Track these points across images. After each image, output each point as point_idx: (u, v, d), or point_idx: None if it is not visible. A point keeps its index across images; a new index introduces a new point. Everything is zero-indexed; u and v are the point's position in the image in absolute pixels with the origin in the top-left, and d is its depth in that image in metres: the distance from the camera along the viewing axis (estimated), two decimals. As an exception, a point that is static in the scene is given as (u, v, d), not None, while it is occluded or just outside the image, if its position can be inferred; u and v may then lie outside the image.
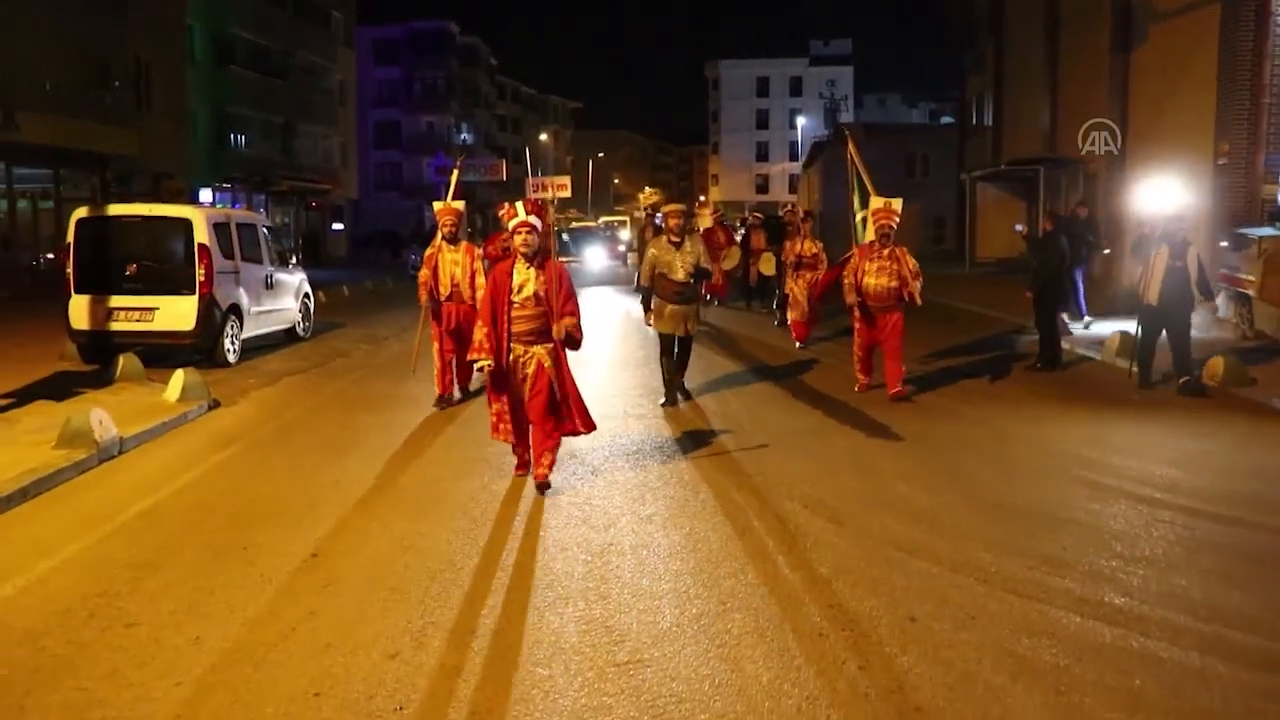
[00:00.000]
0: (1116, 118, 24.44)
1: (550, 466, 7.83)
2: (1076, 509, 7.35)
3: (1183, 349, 11.79)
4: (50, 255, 28.15)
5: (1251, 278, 15.46)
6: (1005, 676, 4.68)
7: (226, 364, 14.27)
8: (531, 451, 7.92)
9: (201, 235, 13.91)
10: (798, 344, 15.93)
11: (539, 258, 7.68)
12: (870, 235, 11.74)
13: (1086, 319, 17.95)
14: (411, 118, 74.78)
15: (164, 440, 9.91)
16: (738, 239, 22.53)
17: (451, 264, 11.09)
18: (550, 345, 7.69)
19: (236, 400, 11.92)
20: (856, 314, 11.80)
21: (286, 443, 9.92)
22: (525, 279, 7.61)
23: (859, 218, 12.61)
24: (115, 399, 11.04)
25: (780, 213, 26.29)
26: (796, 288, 16.01)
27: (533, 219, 7.69)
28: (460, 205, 11.55)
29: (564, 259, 33.57)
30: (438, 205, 11.53)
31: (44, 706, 4.49)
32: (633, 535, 6.79)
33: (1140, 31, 23.54)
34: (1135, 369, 12.33)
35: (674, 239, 10.90)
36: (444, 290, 11.10)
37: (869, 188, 12.40)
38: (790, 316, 16.60)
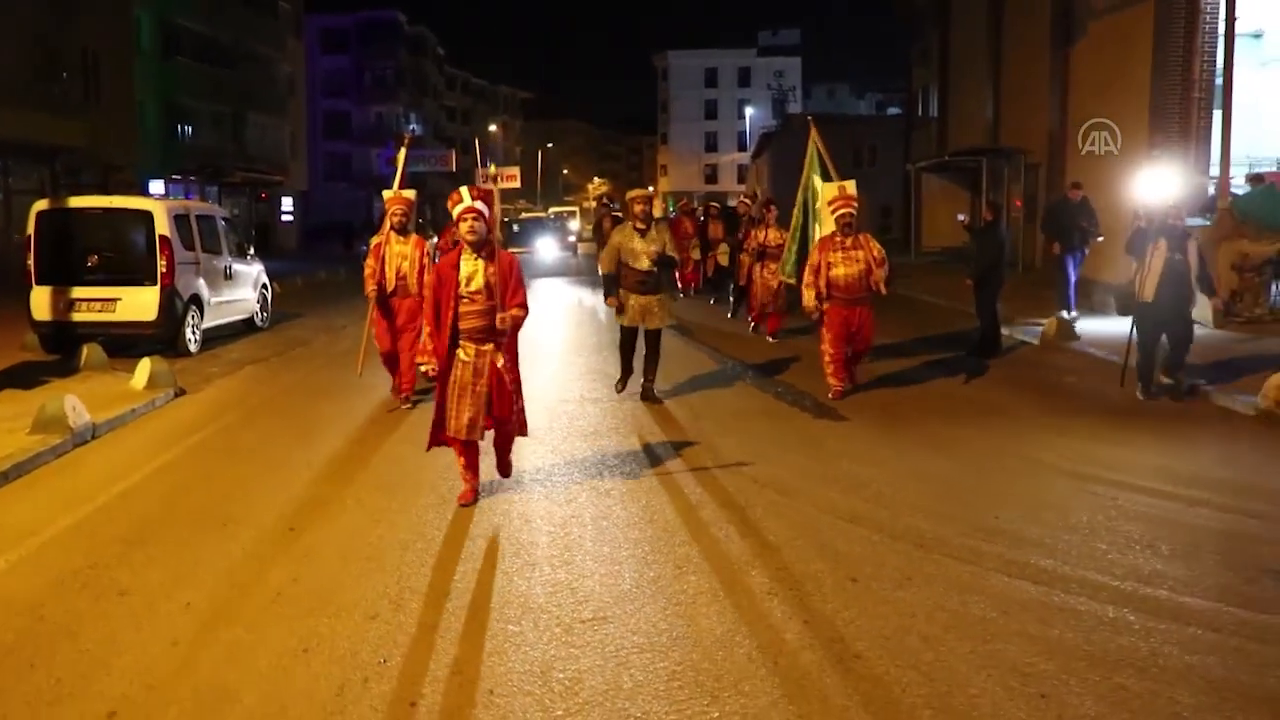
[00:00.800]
0: (1056, 111, 25.25)
1: (511, 466, 7.71)
2: (1012, 483, 7.87)
3: (1181, 350, 10.94)
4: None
5: (1181, 266, 16.13)
6: (937, 628, 5.15)
7: (188, 353, 14.48)
8: (495, 450, 7.57)
9: (162, 227, 14.12)
10: (770, 337, 15.59)
11: (487, 247, 7.07)
12: (828, 226, 11.19)
13: (1074, 314, 17.06)
14: (361, 108, 74.53)
15: (135, 426, 10.19)
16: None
17: (399, 256, 10.48)
18: (504, 343, 7.15)
19: (201, 388, 12.18)
20: (825, 312, 10.88)
21: (254, 427, 10.22)
22: (474, 270, 6.96)
23: (814, 206, 12.24)
24: (84, 387, 11.25)
25: (734, 203, 25.20)
26: (766, 277, 15.63)
27: (478, 205, 7.02)
28: (411, 194, 10.88)
29: (514, 250, 33.48)
30: (387, 194, 10.84)
31: (50, 666, 4.82)
32: (593, 508, 7.22)
33: (1080, 26, 24.24)
34: (1127, 375, 11.36)
35: (639, 226, 10.55)
36: (390, 283, 10.50)
37: (832, 174, 11.74)
38: (760, 309, 16.09)
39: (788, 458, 8.58)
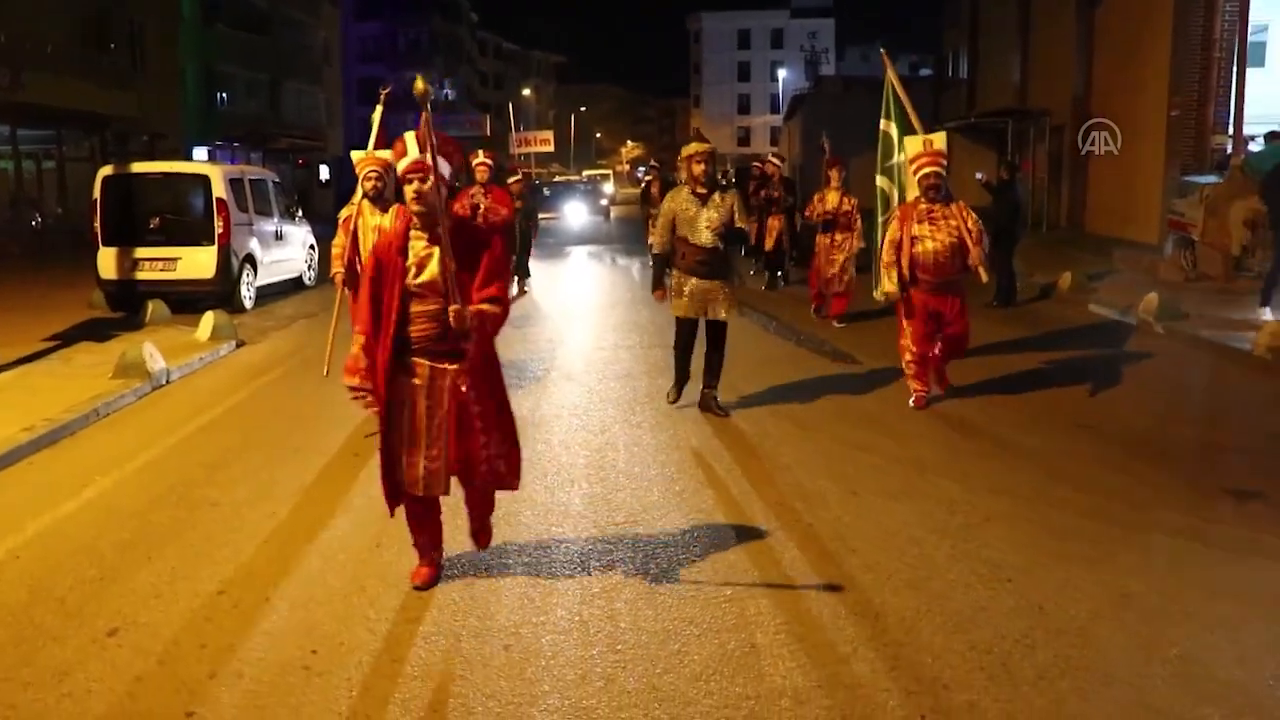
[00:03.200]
0: (1082, 71, 25.65)
1: (490, 533, 5.51)
2: (1003, 415, 8.59)
3: None
4: (60, 211, 29.10)
5: (1195, 222, 16.67)
6: (924, 531, 5.90)
7: (243, 309, 15.36)
8: (467, 515, 5.42)
9: (219, 190, 14.98)
10: (835, 322, 13.27)
11: (449, 221, 4.89)
12: (911, 189, 9.02)
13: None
14: (395, 74, 74.96)
15: (203, 372, 11.08)
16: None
17: (374, 229, 8.21)
18: (472, 357, 4.98)
19: (258, 340, 13.06)
20: (904, 299, 8.74)
21: (311, 373, 10.98)
22: (425, 254, 4.91)
23: (891, 162, 9.91)
24: (152, 339, 12.12)
25: (755, 165, 20.81)
26: (830, 250, 13.27)
27: (429, 159, 4.84)
28: (388, 154, 7.80)
29: (544, 216, 31.59)
30: (357, 155, 8.75)
31: (164, 557, 5.68)
32: (625, 436, 8.02)
33: (1102, -12, 24.64)
34: None
35: (699, 190, 8.29)
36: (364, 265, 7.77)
37: (914, 123, 9.37)
38: (827, 285, 13.51)
39: (805, 396, 9.31)
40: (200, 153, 38.41)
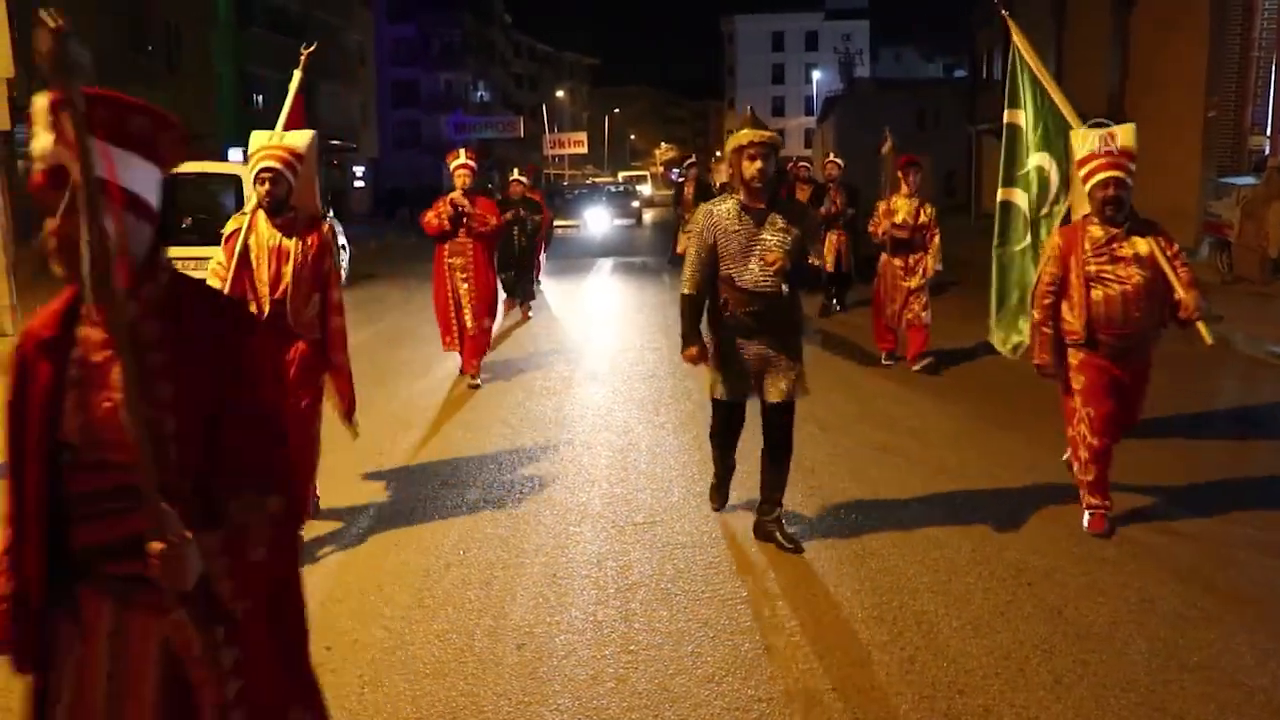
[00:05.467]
0: (1116, 71, 25.39)
1: None
2: (1028, 413, 8.50)
3: None
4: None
5: (1231, 224, 16.47)
6: (945, 533, 5.84)
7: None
8: None
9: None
10: (913, 366, 10.32)
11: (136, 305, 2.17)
12: (1080, 205, 6.16)
13: None
14: (429, 76, 75.55)
15: (231, 371, 11.15)
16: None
17: (271, 252, 5.62)
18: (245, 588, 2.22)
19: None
20: (1073, 368, 5.91)
21: (339, 373, 11.13)
22: (93, 371, 2.19)
23: (1024, 169, 7.06)
24: (182, 337, 12.25)
25: (799, 165, 17.50)
26: (908, 280, 10.30)
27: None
28: (300, 143, 5.83)
29: (562, 224, 28.28)
30: (255, 143, 5.84)
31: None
32: (648, 438, 8.00)
33: (1136, -10, 24.38)
34: None
35: (753, 202, 5.46)
36: (263, 300, 5.61)
37: (1063, 111, 6.59)
38: (896, 319, 10.50)
39: (829, 398, 9.22)
40: (235, 154, 38.74)
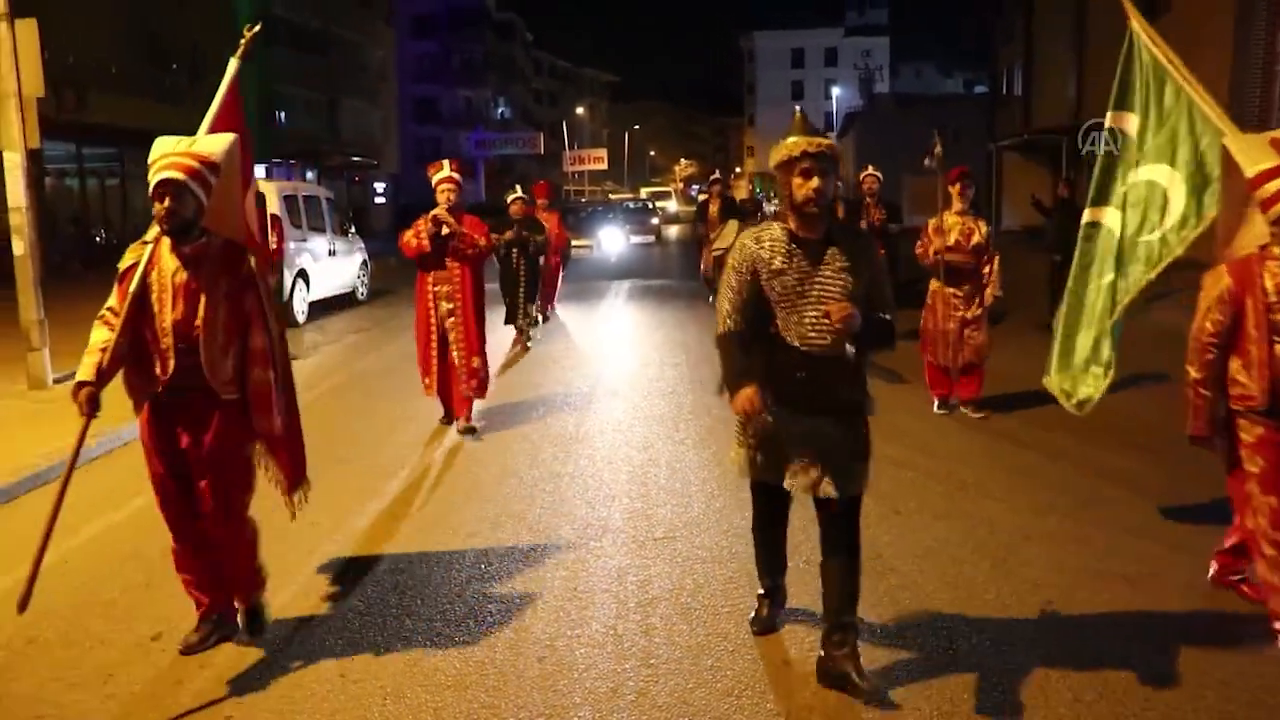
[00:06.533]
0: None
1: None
2: (1044, 428, 8.49)
3: None
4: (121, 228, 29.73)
5: (1254, 240, 16.39)
6: (965, 550, 5.85)
7: (296, 324, 15.61)
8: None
9: (273, 206, 15.28)
10: (970, 410, 9.13)
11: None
12: (1250, 234, 4.86)
13: None
14: (450, 93, 76.04)
15: (254, 385, 11.25)
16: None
17: (179, 290, 4.51)
18: None
19: (310, 354, 13.24)
20: (1247, 445, 4.77)
21: (359, 388, 11.22)
22: None
23: (1133, 179, 5.87)
24: (206, 352, 12.37)
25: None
26: (962, 310, 8.99)
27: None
28: (214, 149, 4.66)
29: (574, 244, 24.51)
30: (156, 151, 4.54)
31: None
32: (668, 453, 8.03)
33: (1163, 3, 24.31)
34: None
35: (808, 232, 4.23)
36: (168, 352, 4.51)
37: (1208, 113, 5.39)
38: (949, 354, 9.07)
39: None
40: (258, 170, 39.05)
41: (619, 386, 10.79)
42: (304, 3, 45.40)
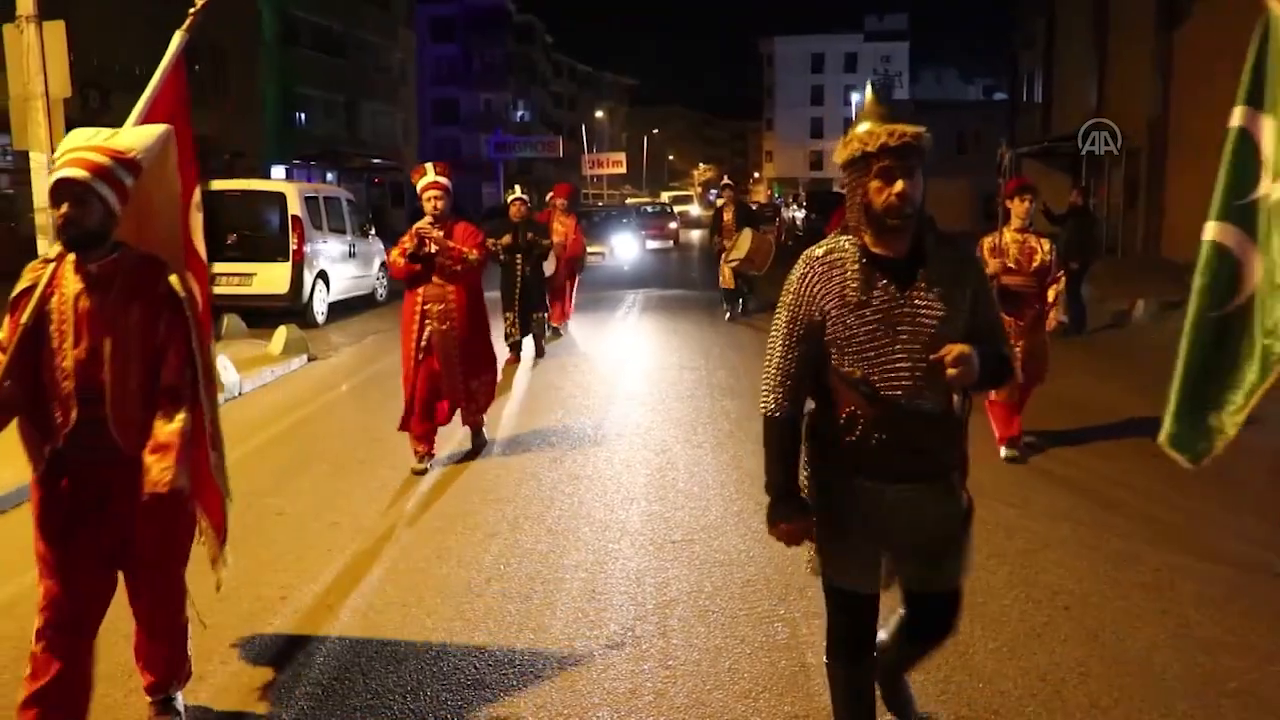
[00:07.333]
0: (1160, 92, 25.23)
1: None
2: (1058, 432, 8.48)
3: None
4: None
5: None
6: (982, 556, 5.77)
7: (315, 324, 15.68)
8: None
9: (295, 208, 15.37)
10: (1008, 451, 7.85)
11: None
12: None
13: None
14: (470, 95, 76.25)
15: (274, 385, 11.34)
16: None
17: (82, 317, 3.56)
18: None
19: (329, 355, 13.33)
20: None
21: (378, 388, 11.23)
22: None
23: (1257, 193, 4.10)
24: (227, 352, 12.41)
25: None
26: (1021, 340, 7.69)
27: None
28: (133, 143, 3.69)
29: (591, 251, 22.38)
30: (65, 145, 3.63)
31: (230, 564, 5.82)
32: (686, 456, 8.06)
33: (1185, 8, 24.23)
34: None
35: (891, 249, 3.14)
36: (68, 395, 3.55)
37: None
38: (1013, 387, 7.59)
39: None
40: (278, 171, 39.25)
41: (637, 389, 10.82)
42: (324, 5, 45.65)
